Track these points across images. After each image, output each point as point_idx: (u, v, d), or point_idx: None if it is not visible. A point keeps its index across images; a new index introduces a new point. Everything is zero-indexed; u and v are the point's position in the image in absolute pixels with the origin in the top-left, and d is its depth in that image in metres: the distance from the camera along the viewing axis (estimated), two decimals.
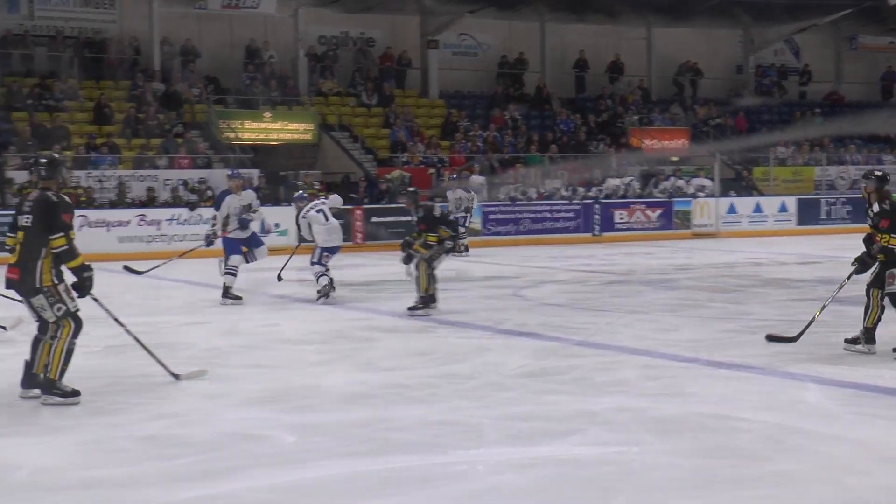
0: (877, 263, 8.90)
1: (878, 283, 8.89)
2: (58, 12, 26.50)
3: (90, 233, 20.59)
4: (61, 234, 7.23)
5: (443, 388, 7.73)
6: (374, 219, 23.44)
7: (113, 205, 22.06)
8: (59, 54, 26.28)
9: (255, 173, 23.90)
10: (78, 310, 7.41)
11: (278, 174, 24.90)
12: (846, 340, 9.05)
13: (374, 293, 14.60)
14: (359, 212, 23.61)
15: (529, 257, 20.61)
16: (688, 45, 33.23)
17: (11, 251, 7.47)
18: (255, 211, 13.47)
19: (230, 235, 13.29)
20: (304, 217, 13.48)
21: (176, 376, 8.05)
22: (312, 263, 13.42)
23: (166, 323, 11.58)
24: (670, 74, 33.52)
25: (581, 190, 26.89)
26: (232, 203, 13.31)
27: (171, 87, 26.18)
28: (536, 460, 5.78)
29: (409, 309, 11.96)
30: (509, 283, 15.75)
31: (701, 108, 32.43)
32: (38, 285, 7.22)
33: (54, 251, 7.22)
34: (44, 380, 7.32)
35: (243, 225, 13.30)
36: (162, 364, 8.07)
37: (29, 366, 7.44)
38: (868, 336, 8.91)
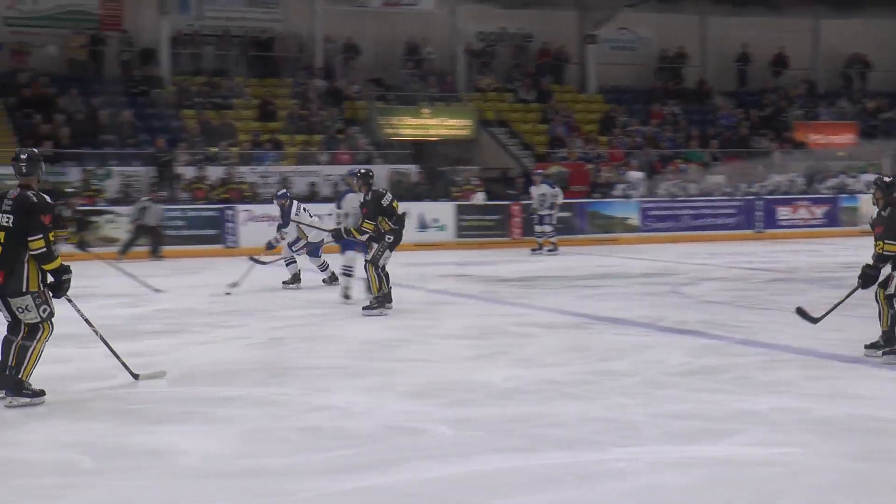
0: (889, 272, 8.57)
1: (882, 283, 8.58)
2: (225, 12, 27.28)
3: (254, 227, 21.24)
4: (40, 235, 7.03)
5: (600, 385, 7.67)
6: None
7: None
8: (226, 53, 27.09)
9: (413, 169, 24.18)
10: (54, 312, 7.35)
11: (437, 170, 25.13)
12: (866, 346, 8.69)
13: (529, 289, 14.60)
14: (516, 207, 23.65)
15: (689, 254, 20.29)
16: (856, 36, 32.10)
17: None
18: None
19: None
20: (296, 215, 14.04)
21: (135, 376, 7.97)
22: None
23: (325, 316, 11.80)
24: (838, 67, 32.56)
25: (743, 186, 26.36)
26: (353, 201, 13.27)
27: (333, 84, 26.68)
28: (696, 460, 5.69)
29: (364, 309, 11.78)
30: (668, 279, 15.54)
31: (870, 101, 31.39)
32: (24, 289, 7.08)
33: (32, 253, 7.05)
34: (14, 381, 7.17)
35: None
36: (124, 364, 7.99)
37: (2, 367, 7.25)
38: (889, 338, 8.53)
